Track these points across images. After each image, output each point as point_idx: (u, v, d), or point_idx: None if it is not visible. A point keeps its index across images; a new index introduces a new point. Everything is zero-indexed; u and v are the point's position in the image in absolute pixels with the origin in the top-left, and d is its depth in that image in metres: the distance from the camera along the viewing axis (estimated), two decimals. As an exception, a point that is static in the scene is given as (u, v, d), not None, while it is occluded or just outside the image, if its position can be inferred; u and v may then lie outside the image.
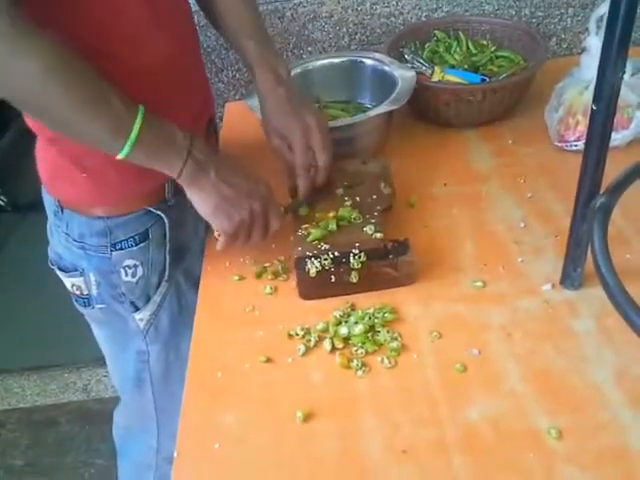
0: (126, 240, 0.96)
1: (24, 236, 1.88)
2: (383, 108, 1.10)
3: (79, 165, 0.90)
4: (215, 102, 1.15)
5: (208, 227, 1.07)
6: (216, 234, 0.91)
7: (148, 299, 1.02)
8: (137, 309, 1.02)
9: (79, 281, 1.00)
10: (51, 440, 1.94)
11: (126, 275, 0.98)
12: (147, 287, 1.01)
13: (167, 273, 1.02)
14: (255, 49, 0.97)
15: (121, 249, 0.96)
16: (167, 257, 1.01)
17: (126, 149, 0.77)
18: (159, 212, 0.97)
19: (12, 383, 2.00)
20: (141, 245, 0.97)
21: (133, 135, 0.77)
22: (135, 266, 0.98)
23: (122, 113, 0.77)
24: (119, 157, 0.78)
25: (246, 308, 0.92)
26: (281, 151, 0.98)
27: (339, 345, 0.83)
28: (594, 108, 0.71)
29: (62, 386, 2.01)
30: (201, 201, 0.86)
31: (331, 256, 0.88)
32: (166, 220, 0.98)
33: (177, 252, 1.02)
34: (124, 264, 0.97)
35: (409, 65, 1.25)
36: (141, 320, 1.04)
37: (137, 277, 0.99)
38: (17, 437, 1.97)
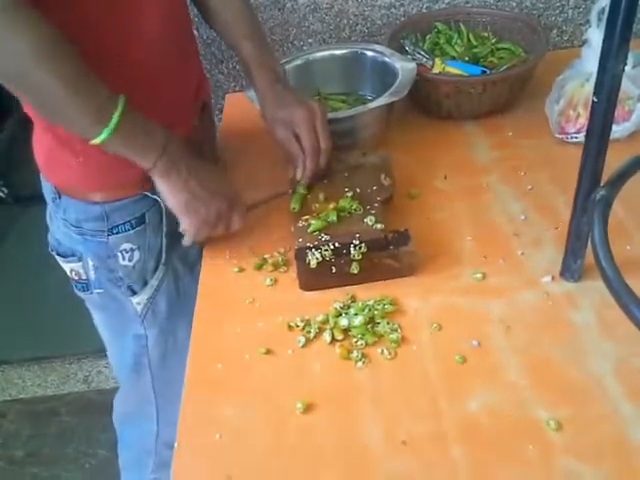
0: (123, 224, 0.97)
1: (25, 228, 1.88)
2: (383, 100, 1.09)
3: (74, 151, 0.90)
4: (211, 90, 1.14)
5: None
6: (181, 229, 0.93)
7: (145, 283, 1.03)
8: (134, 293, 1.03)
9: (77, 266, 1.01)
10: (52, 431, 1.95)
11: (123, 259, 0.99)
12: (144, 271, 1.02)
13: (164, 257, 1.03)
14: (252, 49, 0.99)
15: (118, 233, 0.97)
16: (164, 241, 1.02)
17: (104, 134, 0.78)
18: (155, 197, 0.97)
19: (13, 374, 2.01)
20: (138, 229, 0.98)
21: (113, 121, 0.78)
22: (132, 250, 0.99)
23: (105, 99, 0.78)
24: (95, 142, 0.79)
25: (246, 300, 0.92)
26: (286, 142, 0.99)
27: (339, 336, 0.84)
28: (595, 100, 0.71)
29: (63, 377, 2.02)
30: (171, 196, 0.88)
31: (332, 247, 0.89)
32: (162, 205, 0.98)
33: (173, 236, 1.02)
34: (121, 248, 0.98)
35: (410, 57, 1.25)
36: (138, 304, 1.04)
37: (134, 261, 1.00)
38: (18, 428, 1.98)
